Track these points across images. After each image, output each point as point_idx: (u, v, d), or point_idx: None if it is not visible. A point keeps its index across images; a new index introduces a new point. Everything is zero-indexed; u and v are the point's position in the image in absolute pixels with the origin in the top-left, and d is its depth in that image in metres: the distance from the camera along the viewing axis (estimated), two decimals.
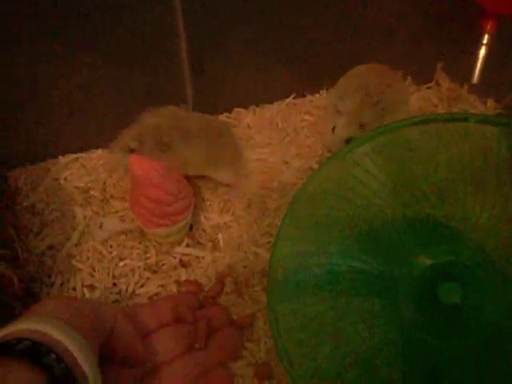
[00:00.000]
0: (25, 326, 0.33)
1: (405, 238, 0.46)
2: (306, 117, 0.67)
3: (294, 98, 0.70)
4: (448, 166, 0.47)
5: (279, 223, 0.47)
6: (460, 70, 0.72)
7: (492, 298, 0.44)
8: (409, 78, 0.74)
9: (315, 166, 0.61)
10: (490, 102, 0.72)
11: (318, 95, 0.70)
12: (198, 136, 0.56)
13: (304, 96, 0.70)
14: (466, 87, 0.72)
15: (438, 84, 0.74)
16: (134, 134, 0.55)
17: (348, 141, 0.58)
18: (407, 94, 0.67)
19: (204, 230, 0.57)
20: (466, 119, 0.45)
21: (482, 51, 0.60)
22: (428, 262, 0.46)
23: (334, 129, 0.60)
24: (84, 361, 0.33)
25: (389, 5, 0.65)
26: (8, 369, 0.29)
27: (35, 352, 0.30)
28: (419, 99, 0.72)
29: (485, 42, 0.60)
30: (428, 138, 0.47)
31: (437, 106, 0.71)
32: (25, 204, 0.55)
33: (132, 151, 0.54)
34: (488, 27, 0.59)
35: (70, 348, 0.33)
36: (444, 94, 0.73)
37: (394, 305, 0.46)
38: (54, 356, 0.31)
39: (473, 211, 0.46)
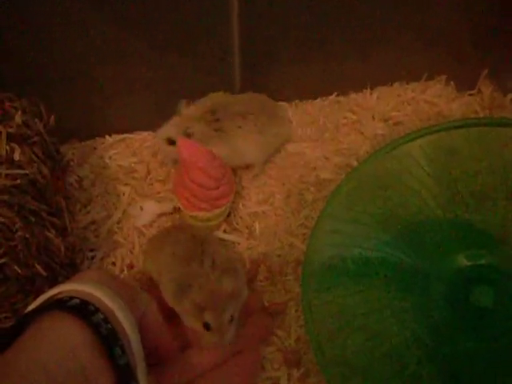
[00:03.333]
0: (73, 287, 0.34)
1: (443, 238, 0.47)
2: (349, 114, 0.67)
3: (337, 96, 0.70)
4: (488, 172, 0.47)
5: (316, 216, 0.47)
6: (504, 79, 0.71)
7: None
8: (452, 83, 0.73)
9: (354, 164, 0.61)
10: None
11: (361, 93, 0.70)
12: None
13: (348, 94, 0.70)
14: (509, 97, 0.72)
15: (480, 92, 0.73)
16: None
17: (170, 142, 0.57)
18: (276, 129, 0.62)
19: (241, 217, 0.58)
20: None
21: None
22: (464, 263, 0.46)
23: None
24: (127, 325, 0.34)
25: (437, 10, 0.65)
26: (62, 321, 0.31)
27: (84, 310, 0.32)
28: (461, 106, 0.71)
29: None
30: (471, 143, 0.47)
31: (478, 113, 0.71)
32: (73, 178, 0.57)
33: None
34: None
35: (114, 311, 0.34)
36: (486, 102, 0.72)
37: (425, 302, 0.46)
38: (101, 316, 0.32)
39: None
